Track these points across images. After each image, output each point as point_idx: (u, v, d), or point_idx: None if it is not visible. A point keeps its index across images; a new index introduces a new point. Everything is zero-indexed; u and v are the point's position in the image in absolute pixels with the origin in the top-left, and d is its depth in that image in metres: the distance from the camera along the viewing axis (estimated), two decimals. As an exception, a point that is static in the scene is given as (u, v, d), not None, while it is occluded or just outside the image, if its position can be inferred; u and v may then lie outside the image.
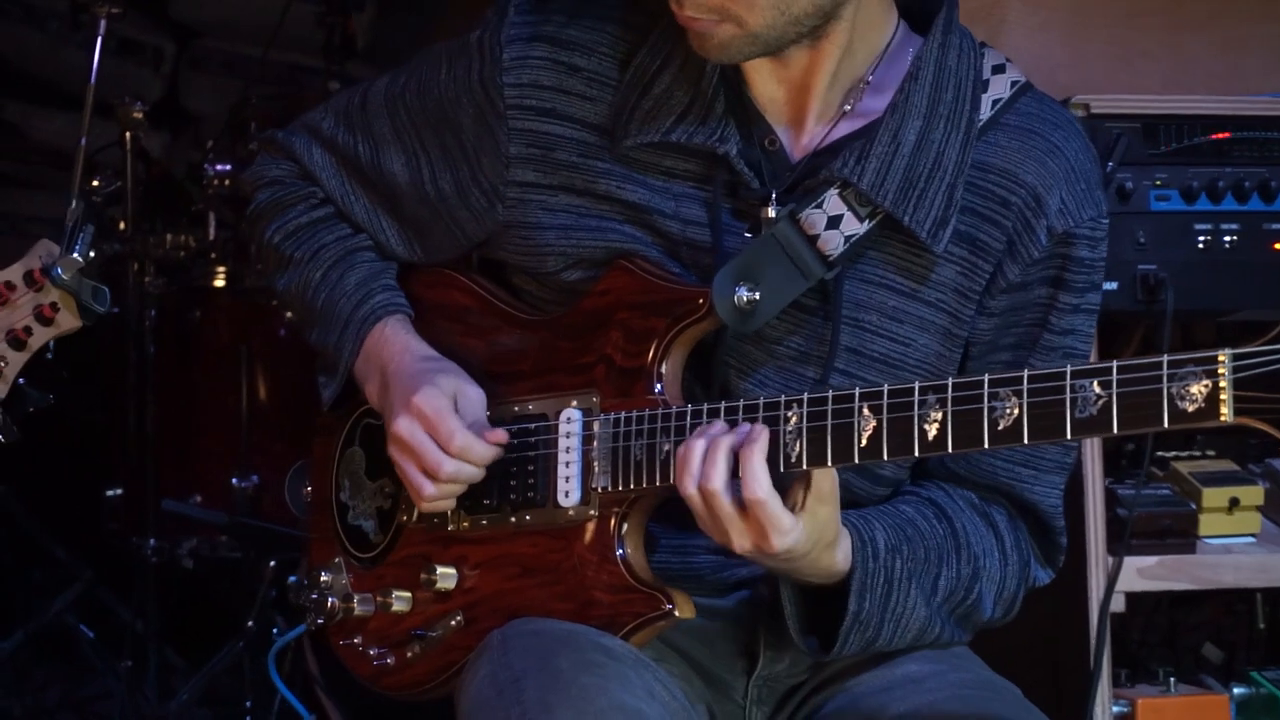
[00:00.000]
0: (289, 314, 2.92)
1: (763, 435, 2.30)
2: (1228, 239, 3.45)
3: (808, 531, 2.32)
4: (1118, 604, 3.40)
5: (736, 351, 2.53)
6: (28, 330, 2.61)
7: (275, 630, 4.38)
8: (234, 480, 4.89)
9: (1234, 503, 3.54)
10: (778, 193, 2.49)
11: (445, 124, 2.66)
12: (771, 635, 2.58)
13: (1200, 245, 3.44)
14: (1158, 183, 3.40)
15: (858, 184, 2.44)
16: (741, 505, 2.31)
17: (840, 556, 2.40)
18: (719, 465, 2.31)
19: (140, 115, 4.76)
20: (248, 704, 4.65)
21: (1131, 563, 3.40)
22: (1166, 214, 3.40)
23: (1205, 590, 3.60)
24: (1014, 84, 2.55)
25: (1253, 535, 3.57)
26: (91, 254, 2.62)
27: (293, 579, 2.87)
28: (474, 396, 2.60)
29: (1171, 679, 3.52)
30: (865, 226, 2.46)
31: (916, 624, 2.49)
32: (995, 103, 2.52)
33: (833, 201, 2.46)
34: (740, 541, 2.33)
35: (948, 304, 2.52)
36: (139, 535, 4.87)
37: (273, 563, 4.35)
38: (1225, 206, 3.45)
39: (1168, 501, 3.48)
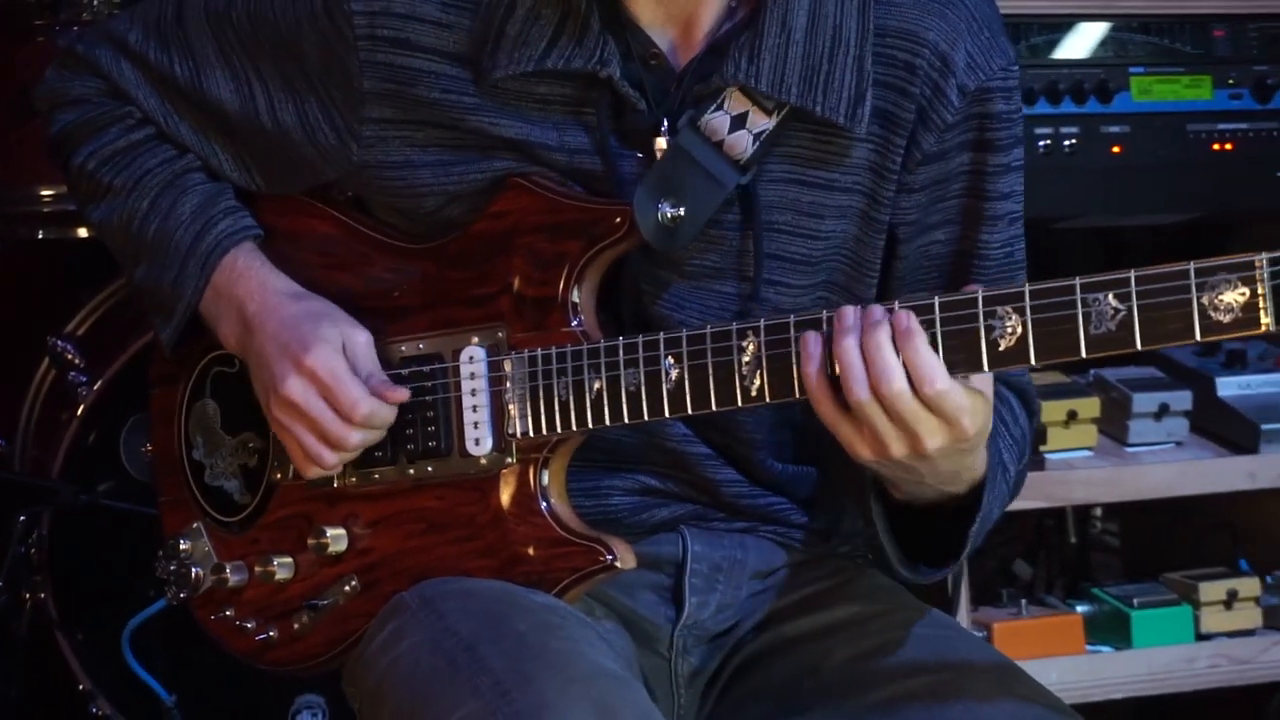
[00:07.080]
0: (109, 247, 2.56)
1: (914, 320, 2.04)
2: (1067, 143, 3.34)
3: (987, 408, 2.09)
4: (973, 525, 3.28)
5: (646, 274, 2.30)
6: None
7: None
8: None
9: (1071, 415, 3.46)
10: (667, 116, 2.25)
11: (285, 51, 2.35)
12: (696, 579, 2.37)
13: (1041, 150, 3.33)
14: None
15: (756, 86, 2.21)
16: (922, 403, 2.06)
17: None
18: (891, 363, 2.03)
19: None
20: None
21: (986, 483, 3.28)
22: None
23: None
24: None
25: (1089, 449, 3.50)
26: None
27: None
28: (363, 342, 2.33)
29: (1023, 601, 3.43)
30: (775, 120, 2.23)
31: (994, 519, 2.28)
32: None
33: (734, 100, 2.23)
34: (931, 440, 2.05)
35: (863, 185, 2.29)
36: None
37: (22, 517, 3.96)
38: (1065, 109, 3.35)
39: (1013, 417, 3.37)
